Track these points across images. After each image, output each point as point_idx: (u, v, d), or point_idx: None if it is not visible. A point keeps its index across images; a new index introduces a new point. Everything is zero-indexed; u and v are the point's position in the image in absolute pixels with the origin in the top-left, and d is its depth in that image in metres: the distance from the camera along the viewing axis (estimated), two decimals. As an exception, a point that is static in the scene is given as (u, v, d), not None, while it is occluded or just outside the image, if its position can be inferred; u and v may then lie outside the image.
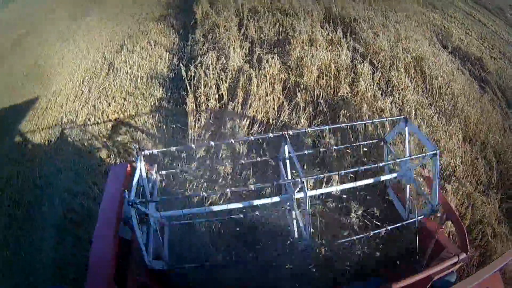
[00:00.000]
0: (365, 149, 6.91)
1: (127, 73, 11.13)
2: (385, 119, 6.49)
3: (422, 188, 5.27)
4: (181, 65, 10.41)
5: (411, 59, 10.42)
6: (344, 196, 5.89)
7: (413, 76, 10.04)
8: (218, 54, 10.53)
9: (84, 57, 12.85)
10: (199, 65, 9.86)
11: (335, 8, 13.21)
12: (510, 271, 5.78)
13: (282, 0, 13.30)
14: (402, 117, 4.97)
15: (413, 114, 8.31)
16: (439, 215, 4.81)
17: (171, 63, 11.29)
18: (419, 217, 4.75)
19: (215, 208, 4.40)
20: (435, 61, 10.82)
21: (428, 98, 9.54)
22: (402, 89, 9.25)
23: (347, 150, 6.89)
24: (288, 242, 5.32)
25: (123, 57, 12.15)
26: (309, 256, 4.98)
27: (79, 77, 11.78)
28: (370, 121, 6.77)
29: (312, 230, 4.40)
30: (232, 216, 4.89)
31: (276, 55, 10.01)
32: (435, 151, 4.41)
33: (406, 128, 4.96)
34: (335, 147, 6.11)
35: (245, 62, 10.12)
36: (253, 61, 9.98)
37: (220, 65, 9.82)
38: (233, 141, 5.14)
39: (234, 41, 11.08)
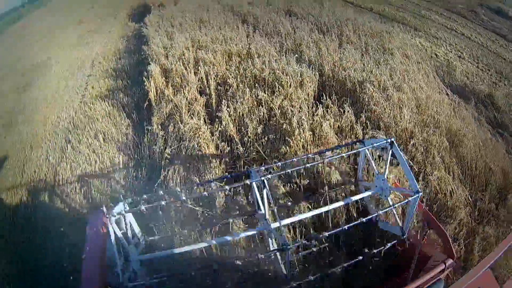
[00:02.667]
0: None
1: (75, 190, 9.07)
2: (371, 141, 5.48)
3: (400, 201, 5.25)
4: (140, 183, 8.71)
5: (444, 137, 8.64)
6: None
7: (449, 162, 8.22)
8: (187, 170, 8.43)
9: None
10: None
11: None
12: (500, 267, 5.64)
13: (258, 63, 10.87)
14: (390, 139, 4.90)
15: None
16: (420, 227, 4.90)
17: (126, 178, 9.07)
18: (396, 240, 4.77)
19: (191, 247, 4.40)
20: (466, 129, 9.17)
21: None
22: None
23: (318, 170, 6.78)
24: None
25: (68, 162, 10.21)
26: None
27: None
28: (354, 141, 6.61)
29: (288, 260, 4.39)
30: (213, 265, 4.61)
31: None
32: (417, 195, 4.44)
33: (390, 150, 4.88)
34: (308, 164, 5.46)
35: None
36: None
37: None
38: (193, 187, 5.49)
39: (205, 141, 8.83)
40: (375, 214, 4.96)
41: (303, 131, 8.07)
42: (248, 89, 10.02)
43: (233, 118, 9.28)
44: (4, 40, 22.89)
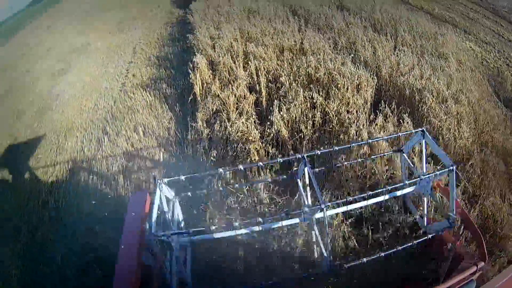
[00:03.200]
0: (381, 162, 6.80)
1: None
2: (403, 133, 5.68)
3: (440, 199, 5.15)
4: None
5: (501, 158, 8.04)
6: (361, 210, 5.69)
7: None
8: (234, 177, 7.53)
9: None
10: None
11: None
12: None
13: (313, 61, 10.01)
14: (420, 129, 4.86)
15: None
16: (457, 226, 4.74)
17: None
18: (437, 231, 4.75)
19: (232, 233, 4.53)
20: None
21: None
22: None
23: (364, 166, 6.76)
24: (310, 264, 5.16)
25: (104, 155, 9.65)
26: (331, 275, 4.75)
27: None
28: (387, 137, 6.42)
29: (330, 249, 4.52)
30: (254, 236, 4.76)
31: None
32: (451, 167, 4.34)
33: (423, 141, 4.86)
34: (351, 162, 5.96)
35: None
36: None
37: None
38: (241, 168, 4.84)
39: (254, 146, 8.08)
40: (416, 215, 5.32)
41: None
42: (301, 89, 9.21)
43: (285, 121, 8.41)
44: (41, 24, 22.11)
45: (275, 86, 9.70)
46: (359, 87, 9.17)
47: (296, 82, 9.42)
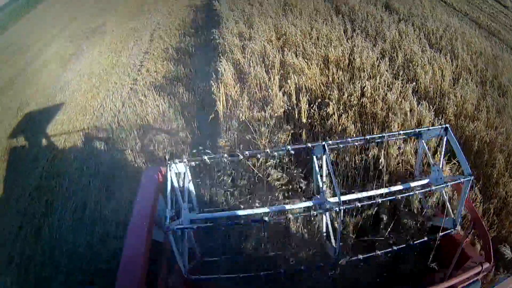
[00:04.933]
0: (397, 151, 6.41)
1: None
2: (427, 128, 5.21)
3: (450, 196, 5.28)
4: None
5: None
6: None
7: None
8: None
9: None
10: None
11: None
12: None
13: (368, 88, 8.01)
14: (444, 126, 4.80)
15: None
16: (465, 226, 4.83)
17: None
18: (443, 229, 4.74)
19: (248, 212, 4.38)
20: None
21: None
22: None
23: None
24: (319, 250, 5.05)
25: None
26: (338, 265, 4.54)
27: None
28: (412, 130, 5.52)
29: (340, 240, 4.33)
30: (265, 219, 4.24)
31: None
32: (469, 178, 4.28)
33: (445, 138, 4.80)
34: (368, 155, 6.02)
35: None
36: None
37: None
38: (268, 151, 4.76)
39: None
40: (427, 206, 5.22)
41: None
42: (352, 124, 7.21)
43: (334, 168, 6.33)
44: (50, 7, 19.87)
45: (318, 114, 7.66)
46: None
47: (347, 114, 7.40)
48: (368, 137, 5.09)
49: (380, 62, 9.03)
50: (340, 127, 7.17)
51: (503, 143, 7.22)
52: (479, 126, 7.52)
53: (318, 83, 8.36)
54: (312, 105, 7.73)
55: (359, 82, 7.99)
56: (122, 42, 13.79)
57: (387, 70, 8.86)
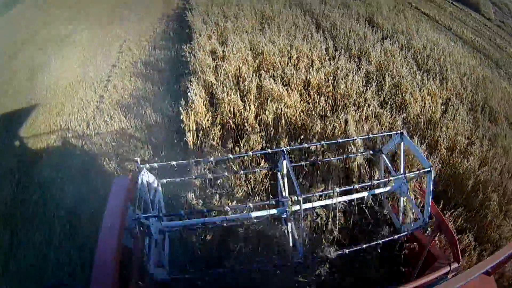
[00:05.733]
0: (361, 161, 6.47)
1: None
2: (382, 134, 5.40)
3: (416, 200, 4.96)
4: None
5: None
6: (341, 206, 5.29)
7: None
8: None
9: None
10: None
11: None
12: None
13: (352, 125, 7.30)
14: (399, 132, 4.79)
15: None
16: (431, 227, 4.65)
17: None
18: (410, 230, 4.71)
19: (214, 219, 4.45)
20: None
21: None
22: None
23: (345, 165, 6.57)
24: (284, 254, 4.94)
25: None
26: (302, 269, 4.60)
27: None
28: (367, 136, 5.53)
29: (305, 242, 4.48)
30: (232, 224, 4.58)
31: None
32: (429, 168, 4.26)
33: (402, 143, 4.80)
34: (332, 159, 5.52)
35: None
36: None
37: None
38: (231, 157, 4.77)
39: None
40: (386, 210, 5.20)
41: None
42: (336, 167, 6.53)
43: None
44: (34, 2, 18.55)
45: (298, 149, 6.61)
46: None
47: (330, 151, 6.62)
48: (323, 142, 5.15)
49: (366, 88, 8.15)
50: (324, 165, 6.38)
51: (497, 180, 6.84)
52: (473, 163, 6.97)
53: (298, 111, 7.42)
54: (293, 142, 6.92)
55: (343, 113, 7.12)
56: (91, 53, 12.65)
57: (373, 97, 8.00)
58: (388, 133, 5.13)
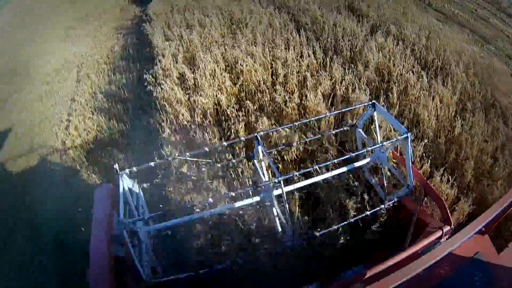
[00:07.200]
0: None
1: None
2: (354, 107, 5.49)
3: (398, 169, 5.00)
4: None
5: None
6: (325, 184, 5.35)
7: None
8: None
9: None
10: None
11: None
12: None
13: None
14: (371, 102, 4.67)
15: None
16: (417, 193, 4.76)
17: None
18: (396, 198, 4.64)
19: (198, 215, 4.25)
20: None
21: None
22: None
23: (322, 143, 6.23)
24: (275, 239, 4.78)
25: None
26: (294, 248, 4.52)
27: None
28: (338, 111, 5.71)
29: (293, 224, 4.48)
30: (218, 217, 4.76)
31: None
32: (406, 135, 4.19)
33: (375, 113, 4.70)
34: (307, 139, 5.35)
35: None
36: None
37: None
38: (207, 149, 4.73)
39: None
40: (373, 180, 5.05)
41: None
42: None
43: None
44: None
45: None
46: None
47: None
48: (296, 123, 5.05)
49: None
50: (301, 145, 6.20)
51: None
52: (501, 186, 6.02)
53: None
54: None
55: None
56: (49, 85, 10.90)
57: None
58: (360, 105, 5.11)
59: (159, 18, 11.63)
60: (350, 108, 5.34)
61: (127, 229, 3.71)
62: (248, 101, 7.02)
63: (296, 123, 5.20)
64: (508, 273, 3.58)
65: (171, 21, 11.18)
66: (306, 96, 6.99)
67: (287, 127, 5.82)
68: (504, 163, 6.33)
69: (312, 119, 5.01)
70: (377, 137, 4.87)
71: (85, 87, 10.26)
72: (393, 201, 4.62)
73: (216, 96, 7.22)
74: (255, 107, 6.87)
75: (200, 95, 7.21)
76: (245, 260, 4.46)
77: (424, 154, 6.29)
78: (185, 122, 6.87)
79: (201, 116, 6.86)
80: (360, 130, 5.16)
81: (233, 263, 4.44)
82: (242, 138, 4.70)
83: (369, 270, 3.57)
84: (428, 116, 6.83)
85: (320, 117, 5.55)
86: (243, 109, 6.97)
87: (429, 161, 6.13)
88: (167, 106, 7.32)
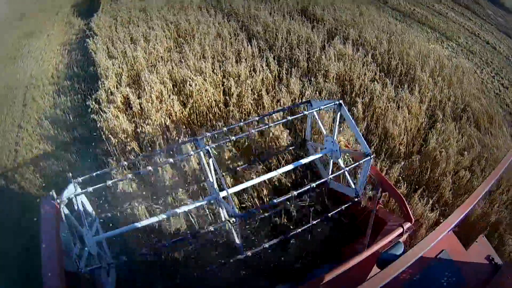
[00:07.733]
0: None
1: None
2: (318, 103, 4.67)
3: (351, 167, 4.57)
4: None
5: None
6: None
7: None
8: None
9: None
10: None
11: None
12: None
13: None
14: (337, 101, 4.37)
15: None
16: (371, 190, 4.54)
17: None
18: (343, 207, 4.42)
19: (148, 221, 4.15)
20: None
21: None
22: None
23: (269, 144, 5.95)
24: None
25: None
26: (244, 254, 4.22)
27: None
28: (295, 105, 5.96)
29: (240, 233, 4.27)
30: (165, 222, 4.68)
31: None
32: (369, 158, 4.04)
33: (339, 113, 4.43)
34: (253, 130, 4.60)
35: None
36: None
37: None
38: (142, 156, 4.79)
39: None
40: (326, 178, 4.45)
41: None
42: None
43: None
44: None
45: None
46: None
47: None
48: (242, 123, 4.87)
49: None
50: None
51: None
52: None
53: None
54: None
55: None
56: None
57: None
58: (326, 102, 4.58)
59: (103, 33, 10.65)
60: (313, 101, 4.82)
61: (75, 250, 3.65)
62: (196, 127, 6.29)
63: (243, 123, 4.92)
64: (475, 268, 3.49)
65: (115, 36, 10.23)
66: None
67: (233, 127, 5.02)
68: (482, 176, 5.93)
69: (261, 117, 5.11)
70: (334, 133, 4.62)
71: (30, 112, 9.30)
72: (338, 210, 4.38)
73: (165, 123, 6.40)
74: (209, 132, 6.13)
75: (147, 123, 6.37)
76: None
77: (400, 176, 5.78)
78: (132, 157, 6.04)
79: (149, 148, 6.05)
80: (315, 113, 4.79)
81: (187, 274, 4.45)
82: (180, 141, 4.80)
83: (331, 271, 3.38)
84: (398, 132, 6.26)
85: (267, 114, 5.23)
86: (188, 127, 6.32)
87: (405, 183, 5.58)
88: (112, 138, 6.44)
